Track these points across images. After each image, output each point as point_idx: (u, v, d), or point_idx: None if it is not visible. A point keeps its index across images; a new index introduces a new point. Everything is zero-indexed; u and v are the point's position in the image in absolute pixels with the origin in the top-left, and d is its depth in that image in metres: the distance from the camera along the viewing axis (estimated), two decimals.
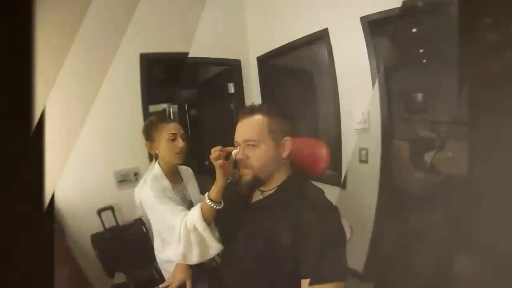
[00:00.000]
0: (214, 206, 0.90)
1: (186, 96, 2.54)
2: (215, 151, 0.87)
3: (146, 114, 1.73)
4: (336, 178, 1.76)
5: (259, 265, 0.84)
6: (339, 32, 1.65)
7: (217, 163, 0.86)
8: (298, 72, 2.03)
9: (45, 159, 0.77)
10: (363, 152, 1.68)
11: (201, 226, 0.90)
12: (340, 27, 1.63)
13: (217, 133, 2.31)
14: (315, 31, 1.73)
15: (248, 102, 2.21)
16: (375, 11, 1.42)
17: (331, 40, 1.67)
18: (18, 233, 0.61)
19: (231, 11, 2.12)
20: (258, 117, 0.88)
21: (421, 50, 2.31)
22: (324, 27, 1.68)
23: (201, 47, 1.78)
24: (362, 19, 1.48)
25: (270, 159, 0.87)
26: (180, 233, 0.92)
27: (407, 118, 2.29)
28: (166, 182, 1.12)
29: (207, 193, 0.92)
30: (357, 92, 1.63)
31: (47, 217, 0.79)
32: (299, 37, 1.83)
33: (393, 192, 1.66)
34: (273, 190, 0.91)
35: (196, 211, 0.92)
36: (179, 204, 1.08)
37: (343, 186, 1.76)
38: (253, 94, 2.23)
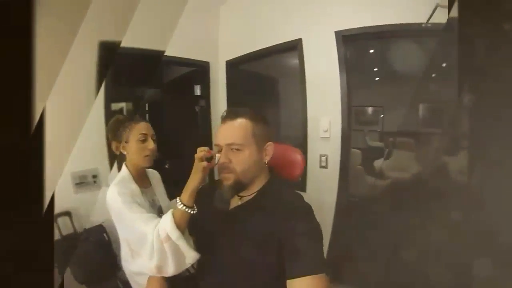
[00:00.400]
0: (188, 211, 0.84)
1: (147, 95, 2.41)
2: (202, 151, 0.85)
3: (108, 112, 1.60)
4: (300, 182, 1.84)
5: (241, 271, 0.84)
6: (312, 43, 1.73)
7: (200, 165, 0.84)
8: (267, 79, 2.08)
9: (45, 159, 0.73)
10: (323, 158, 1.80)
11: (175, 235, 0.83)
12: (314, 38, 1.72)
13: (180, 135, 2.24)
14: (288, 40, 1.79)
15: (214, 106, 2.21)
16: (350, 27, 1.54)
17: (303, 50, 1.75)
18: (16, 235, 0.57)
19: (206, 13, 2.07)
20: (242, 121, 0.87)
21: (375, 69, 2.59)
22: (298, 37, 1.75)
23: (169, 45, 1.69)
24: (337, 33, 1.58)
25: (253, 164, 0.86)
26: (153, 243, 0.85)
27: (359, 129, 2.55)
28: (134, 187, 1.03)
29: (178, 198, 0.86)
30: (324, 103, 1.73)
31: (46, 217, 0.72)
32: (271, 45, 1.87)
33: (349, 195, 1.80)
34: (253, 195, 0.90)
35: (168, 218, 0.85)
36: (149, 210, 1.00)
37: (303, 189, 1.86)
38: (219, 98, 2.20)
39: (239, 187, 0.87)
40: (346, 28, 1.57)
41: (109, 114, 1.58)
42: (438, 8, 1.15)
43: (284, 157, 1.16)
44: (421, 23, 1.27)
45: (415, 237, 1.42)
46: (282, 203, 0.86)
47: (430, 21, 1.24)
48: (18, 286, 0.59)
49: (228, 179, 0.86)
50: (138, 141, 1.04)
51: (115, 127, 1.08)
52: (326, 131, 1.75)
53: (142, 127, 1.06)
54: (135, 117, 1.14)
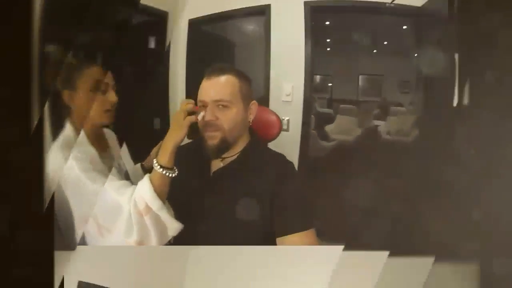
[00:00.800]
0: (168, 174, 0.75)
1: (87, 41, 2.08)
2: (188, 103, 0.80)
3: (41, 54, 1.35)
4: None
5: (228, 237, 0.82)
6: (280, 11, 1.76)
7: (186, 119, 0.76)
8: (231, 43, 2.03)
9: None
10: (285, 121, 1.88)
11: (156, 204, 0.73)
12: (282, 6, 1.75)
13: (127, 91, 2.07)
14: (257, 4, 1.78)
15: (171, 63, 2.08)
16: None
17: (271, 16, 1.77)
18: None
19: None
20: (230, 78, 0.84)
21: (328, 40, 2.75)
22: (267, 3, 1.75)
23: None
24: (306, 3, 1.65)
25: (239, 122, 0.85)
26: (130, 217, 0.73)
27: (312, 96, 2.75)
28: (91, 150, 0.84)
29: (154, 159, 0.77)
30: (288, 69, 1.82)
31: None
32: (238, 7, 1.83)
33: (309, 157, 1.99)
34: (235, 156, 0.88)
35: (145, 185, 0.74)
36: (117, 177, 0.85)
37: None
38: (177, 55, 2.05)
39: (224, 147, 0.85)
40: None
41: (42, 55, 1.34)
42: None
43: (261, 117, 1.14)
44: (385, 3, 1.41)
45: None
46: (268, 162, 0.88)
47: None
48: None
49: (214, 138, 0.83)
50: (97, 91, 0.84)
51: (69, 73, 0.86)
52: (288, 95, 1.85)
53: (102, 74, 0.85)
54: (94, 61, 0.90)
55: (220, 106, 0.82)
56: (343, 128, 2.50)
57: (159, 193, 0.74)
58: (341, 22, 2.11)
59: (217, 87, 0.83)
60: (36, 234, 0.62)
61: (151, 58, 1.93)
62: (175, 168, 0.77)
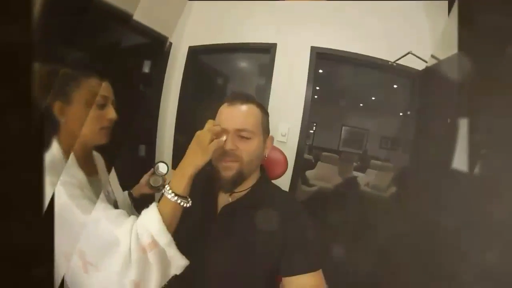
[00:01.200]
0: (182, 204, 0.65)
1: (79, 59, 1.90)
2: (216, 125, 0.72)
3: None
4: None
5: (235, 275, 0.74)
6: (286, 52, 1.78)
7: (214, 143, 0.68)
8: (231, 75, 2.00)
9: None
10: None
11: (165, 239, 0.62)
12: (288, 47, 1.78)
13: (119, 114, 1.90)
14: (263, 42, 1.79)
15: (164, 90, 1.97)
16: (327, 47, 1.67)
17: (276, 56, 1.78)
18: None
19: None
20: (253, 107, 0.78)
21: (317, 88, 2.89)
22: (273, 42, 1.77)
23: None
24: (312, 48, 1.69)
25: (258, 155, 0.79)
26: (129, 253, 0.60)
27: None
28: (80, 174, 0.70)
29: (167, 186, 0.66)
30: (286, 110, 1.81)
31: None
32: (244, 42, 1.83)
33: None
34: (245, 192, 0.80)
35: (152, 216, 0.63)
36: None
37: None
38: (171, 82, 1.98)
39: (239, 180, 0.77)
40: (321, 46, 1.70)
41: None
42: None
43: (269, 154, 1.15)
44: (388, 61, 1.51)
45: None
46: (277, 200, 0.82)
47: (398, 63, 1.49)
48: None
49: (231, 169, 0.75)
50: (95, 105, 0.71)
51: (64, 83, 0.70)
52: (284, 135, 1.82)
53: (103, 88, 0.73)
54: (86, 72, 0.75)
55: (242, 137, 0.75)
56: (323, 175, 2.52)
57: (169, 226, 0.63)
58: (333, 72, 2.22)
59: (241, 115, 0.76)
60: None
61: (144, 82, 1.81)
62: (188, 198, 0.67)
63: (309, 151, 2.79)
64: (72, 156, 0.69)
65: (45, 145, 0.64)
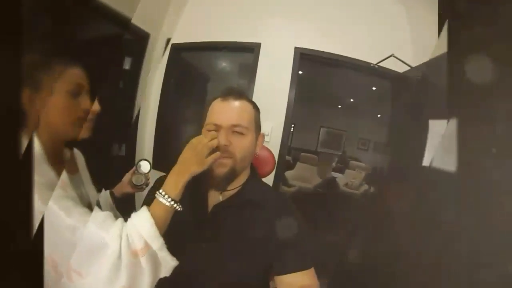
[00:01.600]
0: (175, 207, 0.65)
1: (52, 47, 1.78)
2: (214, 138, 0.70)
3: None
4: None
5: (224, 276, 0.73)
6: (270, 51, 1.79)
7: (212, 157, 0.69)
8: (213, 74, 1.97)
9: None
10: None
11: (158, 243, 0.61)
12: (272, 47, 1.79)
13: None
14: (247, 41, 1.79)
15: (145, 88, 1.90)
16: (312, 48, 1.70)
17: (260, 55, 1.79)
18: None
19: None
20: (246, 103, 0.78)
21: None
22: (258, 41, 1.78)
23: None
24: (296, 49, 1.72)
25: (251, 152, 0.78)
26: (119, 258, 0.57)
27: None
28: (50, 174, 0.62)
29: (161, 189, 0.66)
30: (269, 110, 1.82)
31: None
32: (227, 40, 1.82)
33: None
34: (236, 190, 0.80)
35: (144, 220, 0.61)
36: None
37: None
38: (152, 79, 1.90)
39: (231, 177, 0.76)
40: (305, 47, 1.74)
41: None
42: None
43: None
44: (370, 63, 1.57)
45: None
46: (269, 199, 0.81)
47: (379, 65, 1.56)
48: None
49: (224, 166, 0.74)
50: (68, 93, 0.63)
51: (34, 69, 0.62)
52: (267, 135, 1.83)
53: (76, 74, 0.65)
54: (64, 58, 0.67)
55: (235, 132, 0.74)
56: (302, 176, 2.55)
57: (160, 229, 0.62)
58: (313, 73, 2.27)
59: (236, 110, 0.76)
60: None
61: (125, 79, 1.74)
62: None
63: (288, 152, 2.83)
64: (40, 151, 0.61)
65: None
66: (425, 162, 1.28)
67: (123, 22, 1.62)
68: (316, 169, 2.49)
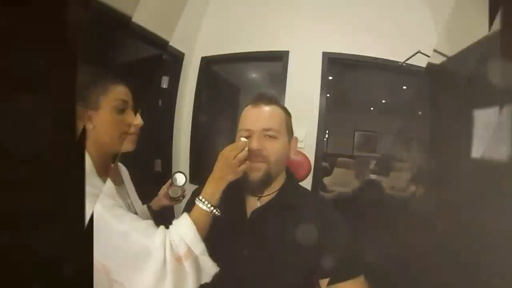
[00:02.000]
0: (215, 212, 0.67)
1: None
2: (244, 151, 0.71)
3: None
4: None
5: (271, 281, 0.72)
6: (298, 58, 1.81)
7: (242, 167, 0.70)
8: (243, 85, 2.03)
9: None
10: None
11: (200, 247, 0.63)
12: (300, 53, 1.80)
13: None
14: (275, 49, 1.82)
15: (179, 104, 2.01)
16: (339, 51, 1.69)
17: (288, 63, 1.81)
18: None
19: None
20: (277, 108, 0.79)
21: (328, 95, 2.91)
22: (286, 49, 1.80)
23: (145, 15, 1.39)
24: (324, 53, 1.71)
25: (284, 156, 0.78)
26: (164, 264, 0.59)
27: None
28: (99, 184, 0.67)
29: (200, 196, 0.68)
30: (301, 116, 1.82)
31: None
32: (255, 50, 1.85)
33: None
34: (273, 195, 0.79)
35: (186, 225, 0.63)
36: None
37: None
38: (184, 94, 2.00)
39: (267, 181, 0.76)
40: (332, 51, 1.73)
41: None
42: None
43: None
44: (398, 62, 1.52)
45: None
46: (309, 202, 0.80)
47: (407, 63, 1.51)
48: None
49: (258, 170, 0.74)
50: (115, 109, 0.68)
51: (94, 90, 0.69)
52: (301, 141, 1.82)
53: (121, 92, 0.70)
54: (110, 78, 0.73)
55: (267, 136, 0.75)
56: (340, 181, 2.49)
57: (201, 235, 0.65)
58: (343, 78, 2.24)
59: (266, 115, 0.77)
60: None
61: (161, 98, 1.85)
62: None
63: (324, 159, 2.79)
64: (89, 164, 0.66)
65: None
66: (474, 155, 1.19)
67: (161, 44, 1.75)
68: (354, 172, 2.42)
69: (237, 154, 0.70)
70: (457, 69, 1.36)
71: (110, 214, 0.60)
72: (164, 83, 1.88)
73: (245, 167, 0.71)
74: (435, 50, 1.41)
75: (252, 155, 0.73)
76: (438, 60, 1.48)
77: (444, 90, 1.55)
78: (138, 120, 0.73)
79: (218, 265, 0.67)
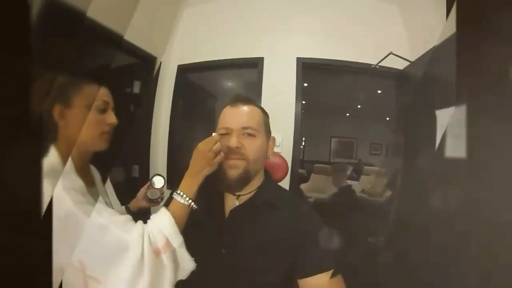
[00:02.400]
0: (192, 205, 0.69)
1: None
2: (217, 144, 0.71)
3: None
4: None
5: (249, 280, 0.72)
6: (273, 64, 1.83)
7: (217, 159, 0.71)
8: (219, 91, 2.02)
9: None
10: None
11: (178, 240, 0.64)
12: (275, 60, 1.83)
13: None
14: (250, 56, 1.84)
15: (156, 110, 1.96)
16: (313, 56, 1.72)
17: (264, 69, 1.83)
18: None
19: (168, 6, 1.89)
20: (255, 108, 0.81)
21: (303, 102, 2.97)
22: (260, 56, 1.83)
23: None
24: (298, 59, 1.75)
25: (262, 155, 0.79)
26: (142, 256, 0.58)
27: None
28: (79, 181, 0.65)
29: (178, 190, 0.69)
30: (277, 122, 1.83)
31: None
32: (231, 58, 1.86)
33: None
34: (252, 193, 0.80)
35: (165, 218, 0.64)
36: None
37: None
38: (161, 101, 1.97)
39: (245, 179, 0.77)
40: (307, 56, 1.77)
41: None
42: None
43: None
44: (371, 64, 1.58)
45: None
46: (286, 200, 0.82)
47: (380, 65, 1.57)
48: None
49: (237, 168, 0.75)
50: (95, 110, 0.68)
51: (65, 87, 0.68)
52: (278, 146, 1.83)
53: (101, 92, 0.70)
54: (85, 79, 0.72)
55: (246, 134, 0.77)
56: (318, 187, 2.51)
57: (180, 227, 0.66)
58: (317, 84, 2.29)
59: (244, 114, 0.79)
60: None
61: (134, 103, 1.80)
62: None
63: (301, 165, 2.81)
64: (70, 162, 0.66)
65: (43, 150, 0.62)
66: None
67: (130, 48, 1.72)
68: (331, 179, 2.46)
69: (211, 147, 0.70)
70: (416, 72, 1.44)
71: (81, 210, 0.58)
72: (136, 88, 1.83)
73: (220, 158, 0.72)
74: (396, 55, 1.49)
75: (231, 152, 0.74)
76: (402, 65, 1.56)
77: (407, 94, 1.63)
78: (113, 119, 0.73)
79: (197, 265, 0.67)
